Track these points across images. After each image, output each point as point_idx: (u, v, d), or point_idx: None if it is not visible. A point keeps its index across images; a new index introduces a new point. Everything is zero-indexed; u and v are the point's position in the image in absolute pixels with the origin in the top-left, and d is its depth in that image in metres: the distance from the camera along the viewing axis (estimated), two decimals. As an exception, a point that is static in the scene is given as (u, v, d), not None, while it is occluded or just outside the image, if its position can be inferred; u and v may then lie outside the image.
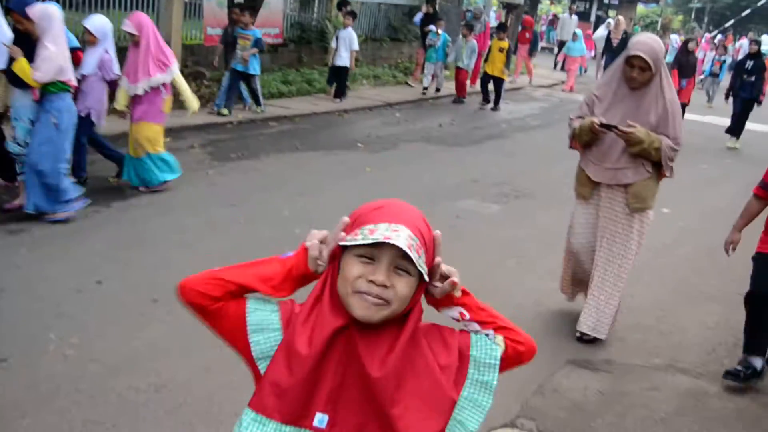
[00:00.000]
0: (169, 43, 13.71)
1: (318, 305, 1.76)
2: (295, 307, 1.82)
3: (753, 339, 4.67)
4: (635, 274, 6.44)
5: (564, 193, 9.09)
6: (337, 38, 14.14)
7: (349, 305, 1.70)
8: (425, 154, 10.77)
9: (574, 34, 21.66)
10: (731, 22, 43.84)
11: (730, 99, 14.66)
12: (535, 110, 16.66)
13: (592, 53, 23.99)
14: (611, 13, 32.81)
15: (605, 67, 21.62)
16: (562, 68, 23.62)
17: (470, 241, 6.92)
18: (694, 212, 8.84)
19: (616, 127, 4.67)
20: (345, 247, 1.73)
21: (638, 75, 4.66)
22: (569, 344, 5.05)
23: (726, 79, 27.08)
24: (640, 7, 43.51)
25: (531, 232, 7.53)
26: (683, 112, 14.36)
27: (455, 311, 1.83)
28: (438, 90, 16.60)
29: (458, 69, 16.14)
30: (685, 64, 14.35)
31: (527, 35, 21.38)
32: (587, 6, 36.03)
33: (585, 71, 24.63)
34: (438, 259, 1.77)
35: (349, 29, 14.06)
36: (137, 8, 13.65)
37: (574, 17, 25.15)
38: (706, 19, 48.32)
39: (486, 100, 16.11)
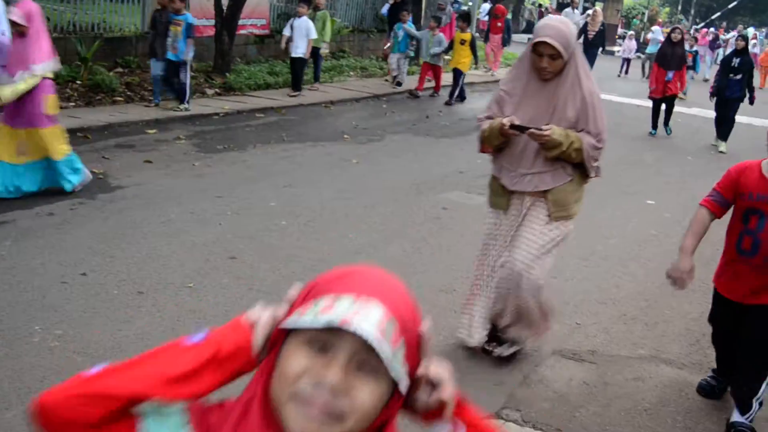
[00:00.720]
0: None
1: (247, 415, 1.21)
2: (211, 417, 1.25)
3: (723, 364, 4.36)
4: (620, 265, 6.48)
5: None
6: (291, 27, 13.45)
7: (283, 416, 1.17)
8: (412, 146, 10.77)
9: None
10: (717, 14, 44.02)
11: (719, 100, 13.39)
12: (522, 102, 16.64)
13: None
14: (598, 5, 32.84)
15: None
16: None
17: (456, 233, 6.93)
18: (679, 203, 8.87)
19: (529, 129, 4.10)
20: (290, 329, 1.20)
21: (548, 64, 4.09)
22: (555, 335, 5.07)
23: (704, 72, 27.28)
24: (627, -1, 43.66)
25: (517, 223, 7.54)
26: (672, 106, 13.90)
27: (444, 428, 1.31)
28: (399, 84, 15.93)
29: (424, 63, 15.48)
30: (670, 56, 13.63)
31: (499, 24, 20.32)
32: (574, -3, 36.11)
33: None
34: (426, 366, 1.26)
35: (304, 18, 13.40)
36: (123, -1, 13.60)
37: (577, 12, 24.32)
38: (692, 11, 48.46)
39: (460, 96, 15.34)
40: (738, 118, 13.37)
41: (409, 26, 15.89)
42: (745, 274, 3.86)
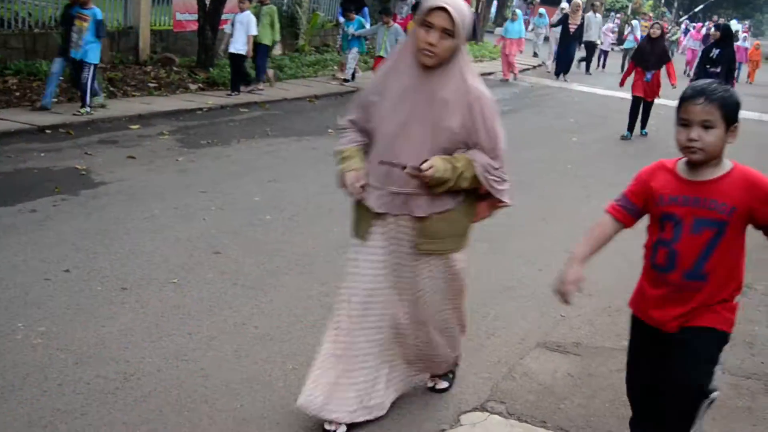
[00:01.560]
0: (137, 28, 13.66)
1: None
2: None
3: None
4: (605, 257, 6.49)
5: (533, 178, 9.15)
6: (233, 23, 12.70)
7: None
8: (397, 140, 10.76)
9: (514, 12, 19.98)
10: (701, 7, 44.20)
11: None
12: (507, 95, 16.69)
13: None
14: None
15: (558, 56, 20.78)
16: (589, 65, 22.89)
17: (441, 226, 6.93)
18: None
19: (403, 167, 3.29)
20: None
21: (438, 41, 3.19)
22: (539, 327, 5.09)
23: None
24: (611, -8, 43.75)
25: (501, 216, 7.51)
26: (650, 108, 12.78)
27: None
28: (346, 80, 15.21)
29: (379, 58, 14.59)
30: (648, 54, 12.43)
31: None
32: (557, -9, 36.12)
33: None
34: None
35: (246, 13, 12.57)
36: (104, -7, 13.51)
37: (598, 16, 23.63)
38: (675, 4, 48.64)
39: None
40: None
41: (356, 27, 15.09)
42: (664, 294, 3.12)
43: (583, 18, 20.57)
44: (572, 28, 20.09)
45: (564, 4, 23.65)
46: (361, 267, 3.52)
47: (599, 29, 22.69)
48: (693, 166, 2.99)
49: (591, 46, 22.90)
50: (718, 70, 12.04)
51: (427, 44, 3.19)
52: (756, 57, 26.98)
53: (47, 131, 9.08)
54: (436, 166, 3.23)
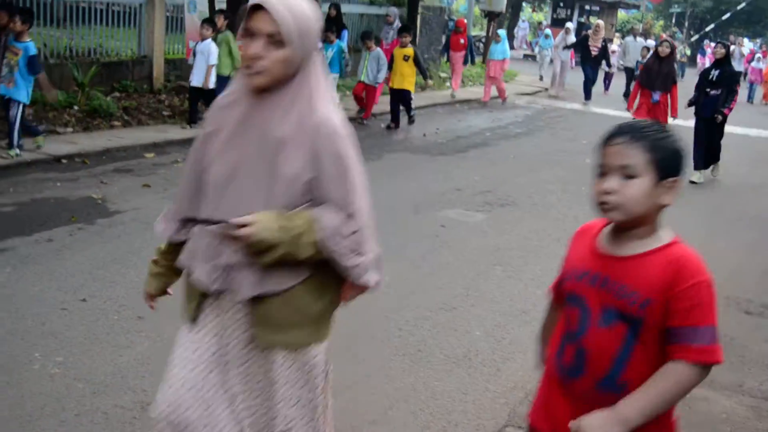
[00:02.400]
0: (151, 57, 13.79)
1: None
2: None
3: None
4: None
5: (547, 200, 9.15)
6: (194, 53, 11.79)
7: None
8: (409, 164, 10.79)
9: (497, 34, 19.10)
10: (712, 26, 44.21)
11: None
12: (519, 118, 16.72)
13: (574, 62, 22.99)
14: (592, 19, 32.91)
15: (586, 83, 19.78)
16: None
17: (455, 250, 6.93)
18: (675, 217, 8.88)
19: (211, 227, 2.48)
20: None
21: (264, 52, 2.32)
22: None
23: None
24: (621, 13, 43.91)
25: (516, 239, 7.56)
26: None
27: None
28: None
29: (360, 83, 14.06)
30: (655, 74, 11.60)
31: (461, 41, 18.52)
32: (568, 12, 36.24)
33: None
34: None
35: (207, 41, 11.47)
36: (118, 23, 13.69)
37: (640, 40, 22.84)
38: (686, 24, 48.68)
39: (394, 120, 13.87)
40: (731, 128, 12.28)
41: (335, 51, 14.03)
42: (570, 406, 2.24)
43: (605, 41, 20.00)
44: (594, 51, 19.42)
45: (569, 25, 23.23)
46: (180, 359, 2.64)
47: (637, 55, 21.00)
48: (617, 232, 2.21)
49: (629, 72, 21.32)
50: (719, 92, 10.89)
51: (249, 57, 2.35)
52: None
53: (63, 161, 9.15)
54: (259, 222, 2.32)
